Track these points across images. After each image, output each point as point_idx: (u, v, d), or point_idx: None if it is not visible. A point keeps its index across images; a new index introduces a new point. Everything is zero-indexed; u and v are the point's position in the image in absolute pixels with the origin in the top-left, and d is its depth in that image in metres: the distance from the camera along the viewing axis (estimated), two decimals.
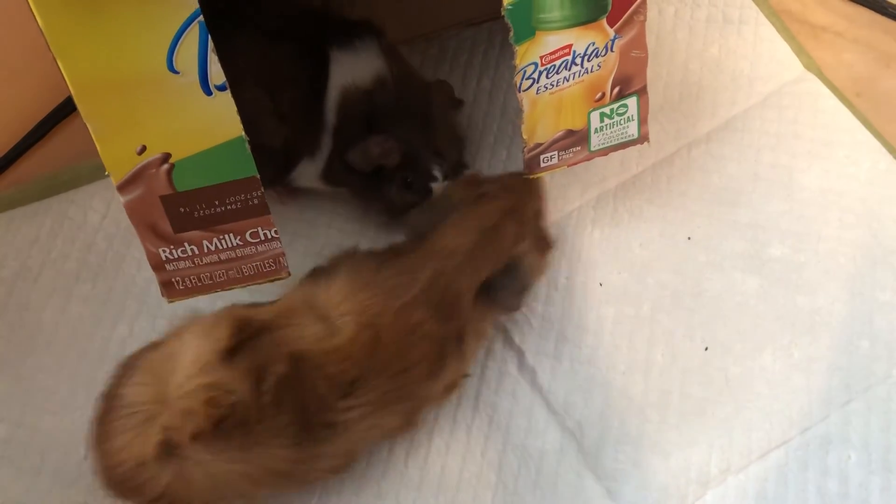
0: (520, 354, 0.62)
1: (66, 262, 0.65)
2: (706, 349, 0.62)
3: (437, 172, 0.62)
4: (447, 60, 0.74)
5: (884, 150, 0.68)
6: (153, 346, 0.52)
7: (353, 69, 0.61)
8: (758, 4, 0.74)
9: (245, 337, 0.50)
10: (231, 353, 0.49)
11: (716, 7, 0.74)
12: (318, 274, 0.56)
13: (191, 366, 0.49)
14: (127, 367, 0.52)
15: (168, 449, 0.47)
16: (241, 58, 0.53)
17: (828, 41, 0.74)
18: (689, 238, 0.65)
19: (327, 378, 0.50)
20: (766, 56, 0.72)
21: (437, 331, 0.53)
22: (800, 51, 0.72)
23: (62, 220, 0.67)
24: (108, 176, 0.64)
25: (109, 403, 0.50)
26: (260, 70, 0.57)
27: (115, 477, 0.49)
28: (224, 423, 0.47)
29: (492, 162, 0.70)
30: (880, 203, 0.66)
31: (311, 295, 0.53)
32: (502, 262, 0.55)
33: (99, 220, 0.67)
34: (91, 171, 0.68)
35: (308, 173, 0.63)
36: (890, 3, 0.74)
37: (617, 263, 0.65)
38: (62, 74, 0.43)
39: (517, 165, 0.58)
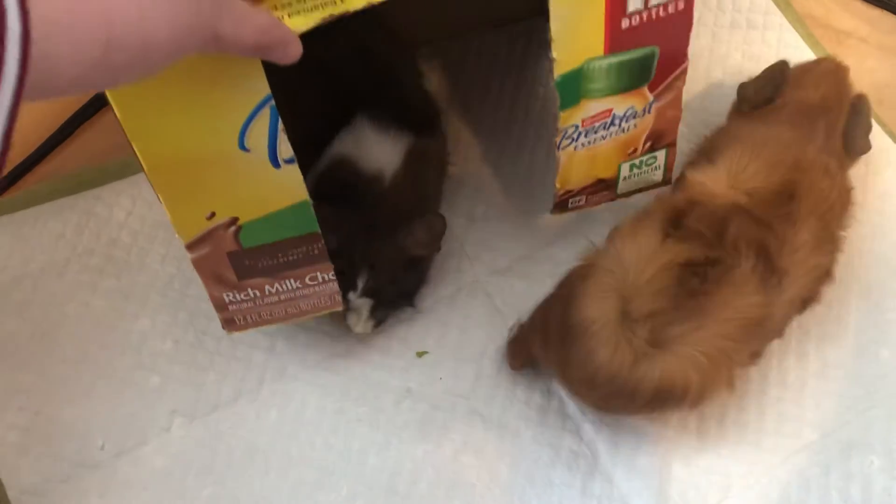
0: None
1: (92, 258, 0.66)
2: None
3: (359, 282, 0.57)
4: (470, 61, 0.74)
5: None
6: (580, 275, 0.52)
7: (364, 147, 0.59)
8: (782, 10, 0.74)
9: (674, 216, 0.53)
10: (667, 235, 0.52)
11: (739, 13, 0.74)
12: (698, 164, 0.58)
13: (640, 261, 0.50)
14: (554, 303, 0.54)
15: (654, 342, 0.49)
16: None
17: (852, 47, 0.74)
18: None
19: (767, 225, 0.52)
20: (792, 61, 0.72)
21: (839, 172, 0.58)
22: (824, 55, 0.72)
23: (88, 216, 0.68)
24: (135, 174, 0.65)
25: (569, 332, 0.51)
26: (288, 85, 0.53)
27: (609, 392, 0.51)
28: (695, 292, 0.50)
29: (515, 166, 0.69)
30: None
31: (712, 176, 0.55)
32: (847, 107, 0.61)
33: (124, 216, 0.68)
34: (117, 168, 0.69)
35: None
36: None
37: None
38: (134, 152, 0.44)
39: (540, 169, 0.58)
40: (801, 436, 0.58)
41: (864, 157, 0.67)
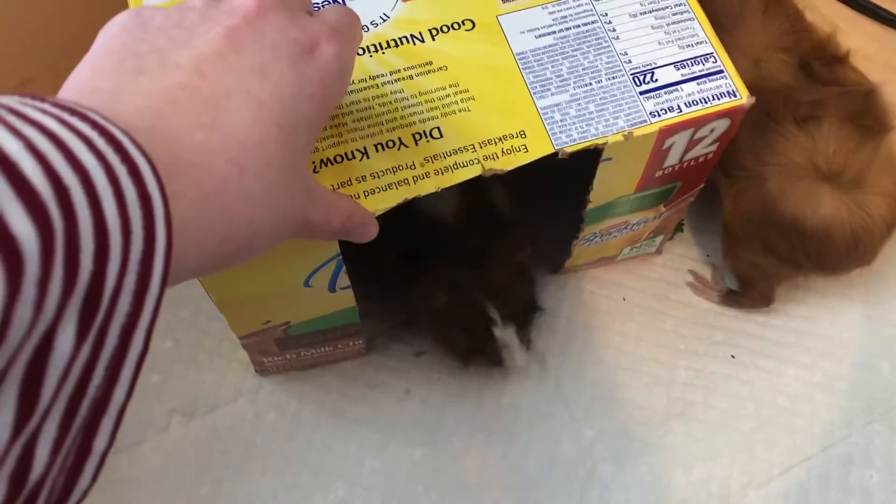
0: (542, 362, 0.62)
1: None
2: (732, 357, 0.62)
3: (494, 314, 0.55)
4: None
5: None
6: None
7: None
8: None
9: None
10: None
11: None
12: None
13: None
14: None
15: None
16: None
17: (857, 65, 0.74)
18: (707, 255, 0.65)
19: None
20: None
21: None
22: None
23: None
24: None
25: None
26: None
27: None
28: None
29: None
30: None
31: None
32: None
33: None
34: None
35: None
36: None
37: (640, 280, 0.65)
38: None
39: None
40: (801, 448, 0.58)
41: None
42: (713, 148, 0.50)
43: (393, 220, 0.45)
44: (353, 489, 0.58)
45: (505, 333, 0.55)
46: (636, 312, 0.64)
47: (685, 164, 0.51)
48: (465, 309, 0.54)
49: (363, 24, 0.48)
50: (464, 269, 0.54)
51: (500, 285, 0.55)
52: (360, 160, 0.45)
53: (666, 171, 0.51)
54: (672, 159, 0.50)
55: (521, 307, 0.57)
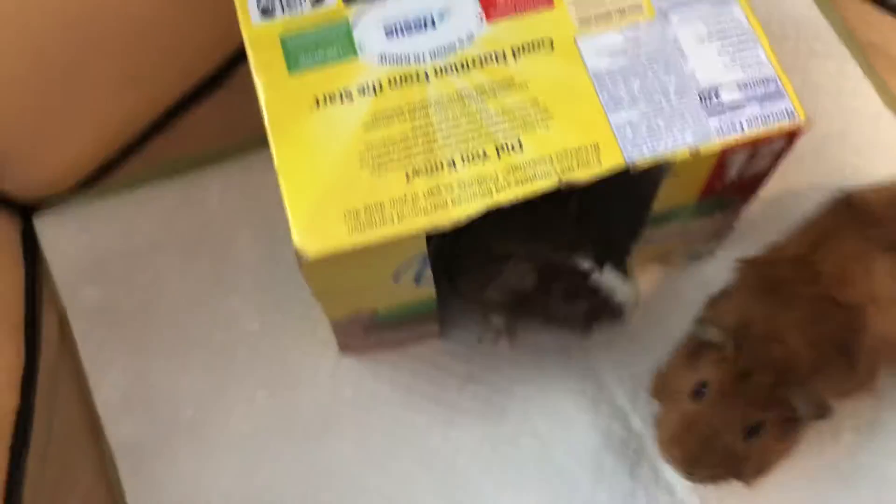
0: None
1: (186, 240, 0.72)
2: None
3: (586, 266, 0.55)
4: None
5: None
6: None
7: None
8: (843, 39, 0.77)
9: None
10: None
11: (804, 41, 0.77)
12: None
13: None
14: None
15: None
16: None
17: None
18: None
19: None
20: (848, 91, 0.75)
21: None
22: (882, 87, 0.75)
23: (183, 200, 0.74)
24: (226, 163, 0.73)
25: None
26: None
27: None
28: None
29: None
30: None
31: None
32: None
33: (216, 202, 0.74)
34: (211, 158, 0.75)
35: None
36: None
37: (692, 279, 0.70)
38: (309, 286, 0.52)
39: None
40: None
41: None
42: (769, 163, 0.54)
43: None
44: (421, 457, 0.63)
45: (603, 277, 0.55)
46: (685, 309, 0.68)
47: (742, 178, 0.55)
48: (557, 278, 0.56)
49: (452, 43, 0.53)
50: (535, 239, 0.56)
51: (572, 239, 0.56)
52: (448, 170, 0.49)
53: (725, 184, 0.55)
54: (732, 174, 0.54)
55: (602, 245, 0.57)
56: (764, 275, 0.56)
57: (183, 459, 0.64)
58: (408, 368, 0.67)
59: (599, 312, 0.58)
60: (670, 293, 0.69)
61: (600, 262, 0.55)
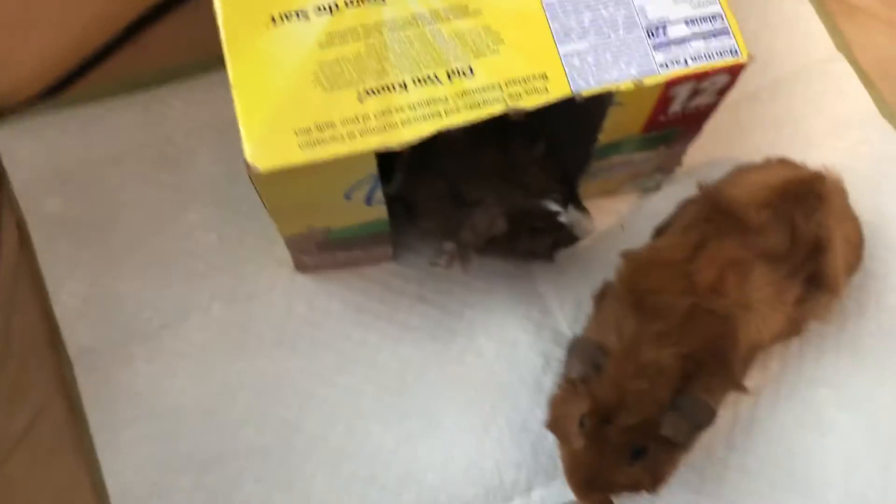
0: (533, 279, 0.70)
1: (147, 152, 0.73)
2: None
3: (553, 206, 0.60)
4: None
5: (895, 134, 0.73)
6: None
7: None
8: None
9: None
10: None
11: None
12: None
13: None
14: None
15: None
16: None
17: (862, 21, 0.79)
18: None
19: None
20: (801, 33, 0.77)
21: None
22: (833, 30, 0.77)
23: (146, 113, 0.74)
24: (190, 78, 0.73)
25: None
26: None
27: None
28: None
29: None
30: (883, 179, 0.72)
31: None
32: None
33: (178, 116, 0.74)
34: (174, 72, 0.75)
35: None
36: None
37: (638, 210, 0.72)
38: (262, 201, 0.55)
39: None
40: None
41: (860, 130, 0.74)
42: (713, 99, 0.56)
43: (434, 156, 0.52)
44: (370, 374, 0.66)
45: (569, 215, 0.60)
46: (634, 241, 0.71)
47: (687, 112, 0.57)
48: (526, 220, 0.60)
49: None
50: (505, 188, 0.59)
51: (541, 183, 0.60)
52: (400, 92, 0.51)
53: (669, 117, 0.57)
54: (675, 106, 0.56)
55: (565, 186, 0.62)
56: (640, 284, 0.56)
57: (139, 367, 0.66)
58: (360, 288, 0.69)
59: (561, 242, 0.63)
60: (614, 225, 0.71)
61: (565, 202, 0.60)
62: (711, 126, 0.64)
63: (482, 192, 0.59)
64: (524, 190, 0.60)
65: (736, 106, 0.75)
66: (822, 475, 0.63)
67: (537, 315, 0.68)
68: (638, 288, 0.56)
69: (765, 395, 0.66)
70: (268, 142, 0.50)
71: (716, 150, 0.73)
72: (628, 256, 0.59)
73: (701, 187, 0.63)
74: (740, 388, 0.56)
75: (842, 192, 0.63)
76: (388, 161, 0.58)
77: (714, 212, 0.59)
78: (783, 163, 0.64)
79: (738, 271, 0.55)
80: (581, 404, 0.54)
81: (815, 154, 0.72)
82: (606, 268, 0.69)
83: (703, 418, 0.53)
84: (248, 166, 0.49)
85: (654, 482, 0.54)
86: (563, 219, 0.60)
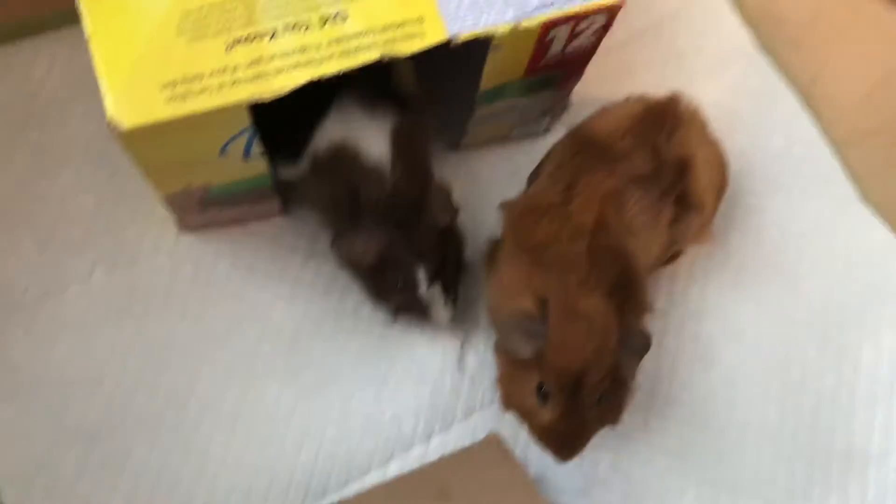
0: None
1: (11, 112, 0.68)
2: None
3: (420, 276, 0.58)
4: None
5: (771, 69, 0.75)
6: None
7: (349, 130, 0.58)
8: None
9: None
10: None
11: None
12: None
13: None
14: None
15: None
16: None
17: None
18: None
19: None
20: None
21: None
22: None
23: (6, 70, 0.69)
24: (53, 31, 0.69)
25: None
26: None
27: None
28: None
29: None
30: (760, 114, 0.75)
31: None
32: None
33: (44, 72, 0.70)
34: (35, 25, 0.70)
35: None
36: None
37: (529, 155, 0.72)
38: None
39: None
40: None
41: (740, 66, 0.75)
42: (592, 40, 0.56)
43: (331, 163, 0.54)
44: (264, 334, 0.65)
45: (430, 293, 0.59)
46: (523, 184, 0.71)
47: (567, 54, 0.57)
48: (393, 268, 0.58)
49: None
50: (394, 229, 0.57)
51: (428, 246, 0.58)
52: (271, 40, 0.49)
53: (549, 60, 0.57)
54: (555, 49, 0.56)
55: (448, 267, 0.60)
56: (530, 239, 0.56)
57: (18, 340, 0.63)
58: (249, 245, 0.67)
59: (409, 310, 0.61)
60: (508, 170, 0.71)
61: (432, 279, 0.58)
62: (598, 67, 0.64)
63: (374, 220, 0.57)
64: (409, 244, 0.57)
65: (622, 46, 0.75)
66: (710, 407, 0.66)
67: None
68: (530, 243, 0.56)
69: (654, 332, 0.68)
70: (131, 97, 0.47)
71: (603, 92, 0.73)
72: (507, 207, 0.60)
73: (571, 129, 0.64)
74: (652, 309, 0.58)
75: (699, 118, 0.64)
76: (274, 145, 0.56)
77: (579, 146, 0.60)
78: (645, 97, 0.65)
79: (614, 202, 0.56)
80: (531, 376, 0.54)
81: (698, 91, 0.73)
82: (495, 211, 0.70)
83: (644, 346, 0.55)
84: (110, 124, 0.47)
85: (617, 416, 0.56)
86: (420, 290, 0.58)
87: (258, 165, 0.56)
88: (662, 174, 0.58)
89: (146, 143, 0.49)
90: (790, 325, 0.68)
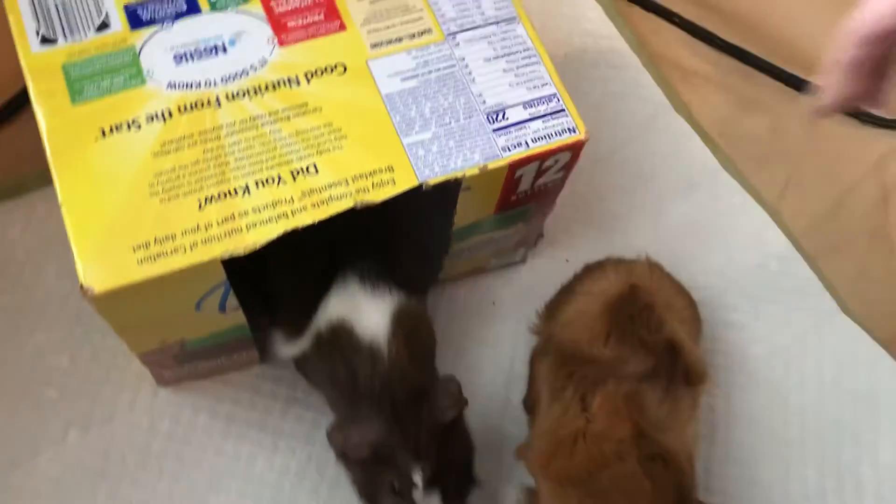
0: None
1: None
2: None
3: (416, 478, 0.52)
4: None
5: (738, 186, 0.77)
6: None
7: (349, 309, 0.57)
8: (636, 52, 0.82)
9: None
10: None
11: (600, 53, 0.82)
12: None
13: None
14: None
15: None
16: None
17: (697, 84, 0.83)
18: (567, 260, 0.73)
19: None
20: (643, 98, 0.81)
21: None
22: (672, 94, 0.81)
23: None
24: (28, 193, 0.69)
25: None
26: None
27: None
28: None
29: None
30: (733, 231, 0.76)
31: None
32: None
33: (18, 233, 0.70)
34: (10, 187, 0.71)
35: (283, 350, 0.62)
36: (750, 52, 0.84)
37: (507, 284, 0.72)
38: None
39: None
40: None
41: (707, 184, 0.77)
42: (560, 175, 0.57)
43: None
44: (246, 489, 0.62)
45: (424, 499, 0.52)
46: (505, 315, 0.71)
47: (536, 189, 0.58)
48: (387, 464, 0.53)
49: (244, 68, 0.53)
50: (392, 420, 0.53)
51: (428, 443, 0.53)
52: (243, 196, 0.49)
53: (520, 196, 0.58)
54: (524, 186, 0.57)
55: (452, 472, 0.54)
56: (572, 475, 0.53)
57: None
58: (229, 397, 0.65)
59: None
60: (485, 301, 0.71)
61: (431, 483, 0.52)
62: (568, 193, 0.65)
63: (373, 409, 0.53)
64: (406, 441, 0.52)
65: (590, 170, 0.77)
66: None
67: None
68: (574, 478, 0.52)
69: None
70: (103, 260, 0.47)
71: (576, 217, 0.75)
72: (528, 452, 0.57)
73: (534, 328, 0.64)
74: None
75: (662, 276, 0.64)
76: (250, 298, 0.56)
77: (567, 363, 0.57)
78: (601, 272, 0.63)
79: (637, 407, 0.54)
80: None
81: (669, 211, 0.75)
82: (484, 342, 0.69)
83: None
84: (82, 289, 0.46)
85: None
86: (415, 496, 0.52)
87: (235, 317, 0.56)
88: (662, 364, 0.56)
89: (120, 305, 0.49)
90: (784, 445, 0.67)
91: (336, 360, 0.56)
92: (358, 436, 0.52)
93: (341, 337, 0.56)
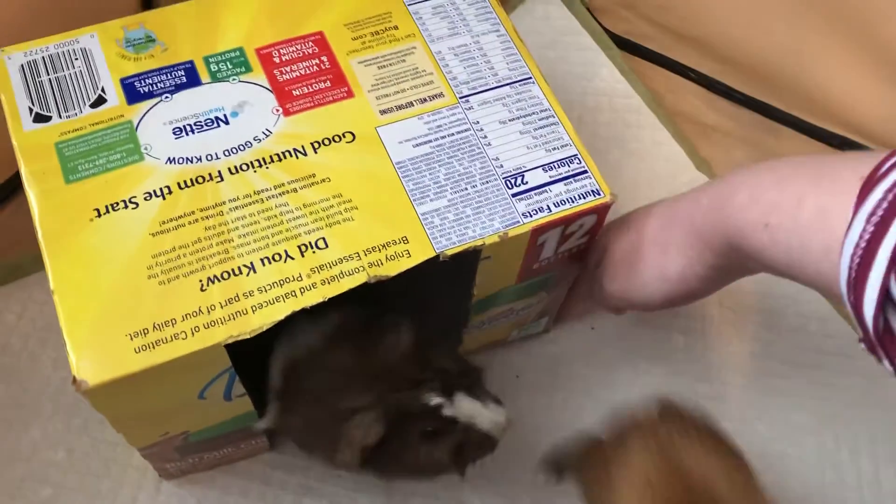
0: None
1: None
2: None
3: (433, 399, 0.47)
4: None
5: None
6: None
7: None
8: (653, 110, 0.80)
9: None
10: None
11: (616, 112, 0.79)
12: None
13: None
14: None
15: None
16: None
17: (717, 140, 0.80)
18: (592, 328, 0.69)
19: None
20: (663, 157, 0.78)
21: None
22: (692, 151, 0.78)
23: None
24: (24, 277, 0.66)
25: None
26: None
27: None
28: None
29: None
30: (773, 296, 0.71)
31: None
32: None
33: (14, 320, 0.67)
34: (6, 272, 0.68)
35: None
36: (770, 105, 0.81)
37: (529, 357, 0.68)
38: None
39: None
40: None
41: None
42: (584, 240, 0.54)
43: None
44: None
45: (458, 406, 0.48)
46: (528, 388, 0.67)
47: (560, 255, 0.54)
48: (410, 422, 0.48)
49: (247, 140, 0.50)
50: (376, 386, 0.48)
51: (412, 371, 0.48)
52: (248, 275, 0.46)
53: (543, 264, 0.54)
54: (547, 253, 0.53)
55: (454, 373, 0.50)
56: None
57: None
58: (237, 488, 0.61)
59: (467, 447, 0.49)
60: (508, 375, 0.67)
61: (449, 389, 0.48)
62: None
63: (354, 400, 0.48)
64: (393, 384, 0.48)
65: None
66: None
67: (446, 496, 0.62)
68: None
69: None
70: (98, 350, 0.43)
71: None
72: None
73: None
74: None
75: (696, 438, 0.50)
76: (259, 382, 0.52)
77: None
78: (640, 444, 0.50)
79: None
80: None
81: None
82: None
83: None
84: (75, 382, 0.42)
85: None
86: (448, 411, 0.47)
87: (242, 404, 0.52)
88: None
89: (116, 398, 0.45)
90: None
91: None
92: (358, 430, 0.47)
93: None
